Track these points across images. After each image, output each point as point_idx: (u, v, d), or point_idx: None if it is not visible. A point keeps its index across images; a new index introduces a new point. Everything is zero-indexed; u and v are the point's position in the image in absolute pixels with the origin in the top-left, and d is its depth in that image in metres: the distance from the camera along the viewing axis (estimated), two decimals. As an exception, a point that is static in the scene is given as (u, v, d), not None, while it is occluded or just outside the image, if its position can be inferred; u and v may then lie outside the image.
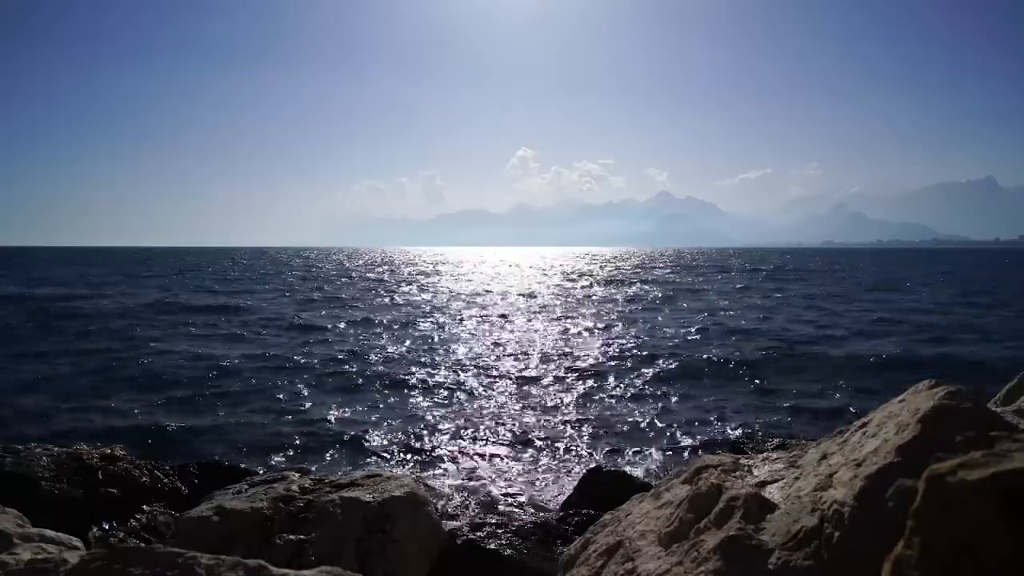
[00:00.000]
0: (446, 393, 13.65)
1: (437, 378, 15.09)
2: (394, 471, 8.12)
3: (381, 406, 12.68)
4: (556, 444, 10.34)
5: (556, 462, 9.54)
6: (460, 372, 15.77)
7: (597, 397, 13.26)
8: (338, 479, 4.75)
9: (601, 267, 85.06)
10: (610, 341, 20.57)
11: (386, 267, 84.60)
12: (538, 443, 10.36)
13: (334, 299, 36.25)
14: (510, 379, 14.96)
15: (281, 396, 13.37)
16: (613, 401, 13.00)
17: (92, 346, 18.90)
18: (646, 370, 16.02)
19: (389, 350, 18.94)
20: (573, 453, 9.96)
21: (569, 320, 26.30)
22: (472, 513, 5.83)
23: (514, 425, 11.30)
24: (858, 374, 15.51)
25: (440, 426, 11.29)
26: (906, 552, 1.07)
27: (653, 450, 10.17)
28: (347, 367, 16.43)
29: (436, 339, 21.08)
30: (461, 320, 26.50)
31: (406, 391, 13.87)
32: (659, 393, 13.59)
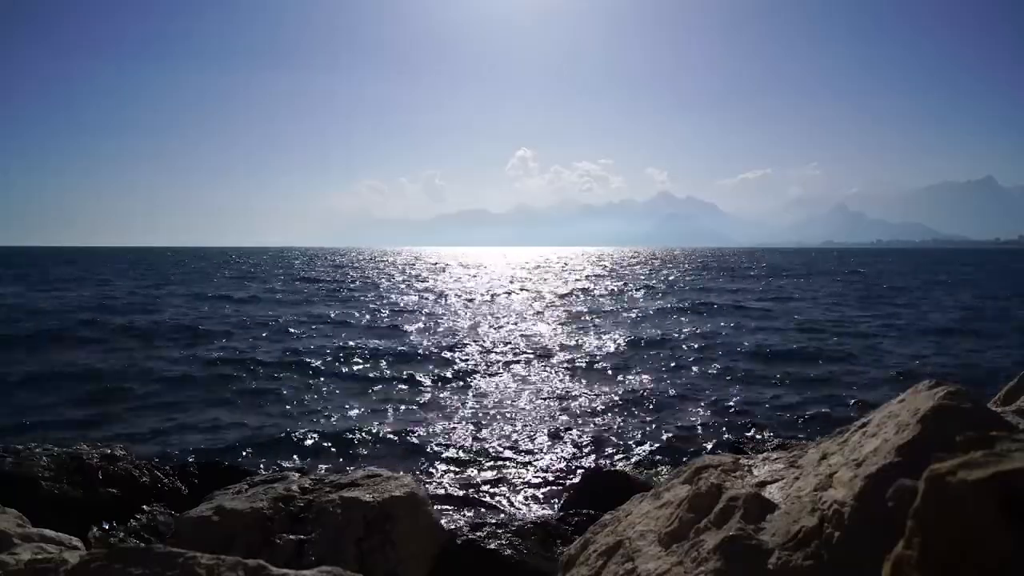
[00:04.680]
0: (447, 393, 13.65)
1: (438, 379, 15.09)
2: (394, 471, 8.12)
3: (382, 406, 12.68)
4: (556, 444, 10.34)
5: (556, 462, 9.54)
6: (460, 372, 15.77)
7: (598, 397, 13.26)
8: (338, 479, 4.75)
9: (605, 267, 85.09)
10: (610, 342, 20.57)
11: (388, 266, 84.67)
12: (538, 443, 10.36)
13: (335, 299, 36.29)
14: (511, 380, 14.96)
15: (281, 396, 13.37)
16: (613, 401, 13.00)
17: (97, 347, 18.92)
18: (646, 370, 16.02)
19: (390, 350, 18.94)
20: (573, 453, 9.96)
21: (570, 321, 26.30)
22: (472, 513, 5.84)
23: (515, 425, 11.30)
24: (863, 373, 15.53)
25: (441, 426, 11.29)
26: (906, 552, 1.07)
27: (653, 450, 10.17)
28: (348, 367, 16.43)
29: (436, 340, 21.08)
30: (462, 321, 26.50)
31: (407, 391, 13.88)
32: (659, 393, 13.59)
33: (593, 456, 9.83)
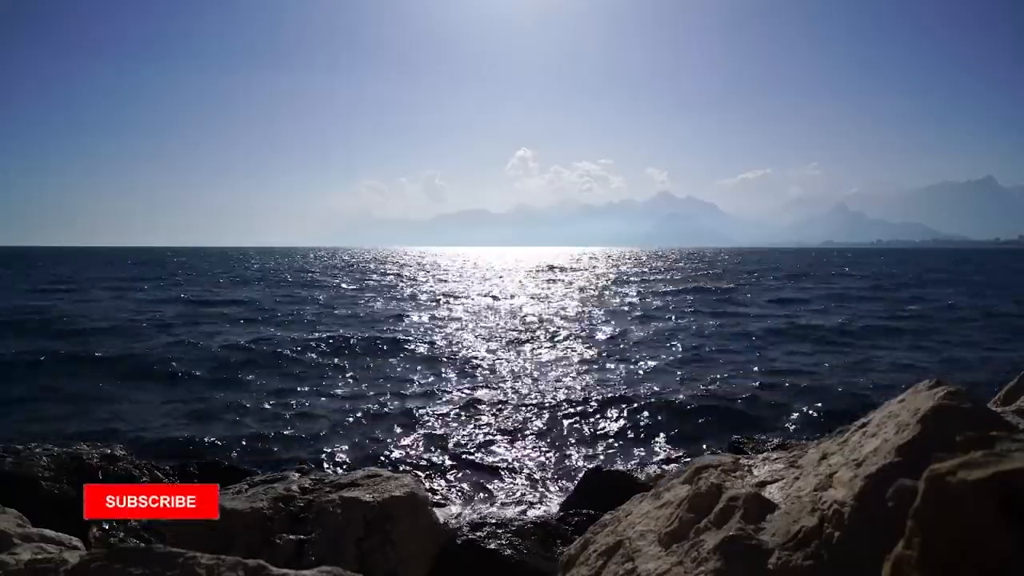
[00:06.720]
0: (447, 393, 13.64)
1: (439, 380, 15.09)
2: (394, 471, 8.12)
3: (382, 406, 12.68)
4: (557, 444, 10.34)
5: (556, 462, 9.54)
6: (461, 372, 15.77)
7: (598, 398, 13.25)
8: (338, 479, 4.76)
9: (610, 267, 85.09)
10: (612, 342, 20.57)
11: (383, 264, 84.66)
12: (538, 443, 10.36)
13: (335, 293, 36.28)
14: (511, 380, 14.96)
15: (281, 396, 13.37)
16: (614, 401, 12.99)
17: (96, 348, 18.93)
18: (648, 370, 16.02)
19: (391, 351, 18.94)
20: (573, 453, 9.96)
21: (571, 320, 26.30)
22: (472, 513, 5.85)
23: (515, 425, 11.29)
24: (865, 372, 15.53)
25: (440, 426, 11.29)
26: (906, 552, 1.07)
27: (653, 450, 10.17)
28: (348, 368, 16.43)
29: (438, 341, 21.08)
30: (463, 323, 26.49)
31: (407, 391, 13.87)
32: (660, 393, 13.58)
33: (593, 456, 9.84)
